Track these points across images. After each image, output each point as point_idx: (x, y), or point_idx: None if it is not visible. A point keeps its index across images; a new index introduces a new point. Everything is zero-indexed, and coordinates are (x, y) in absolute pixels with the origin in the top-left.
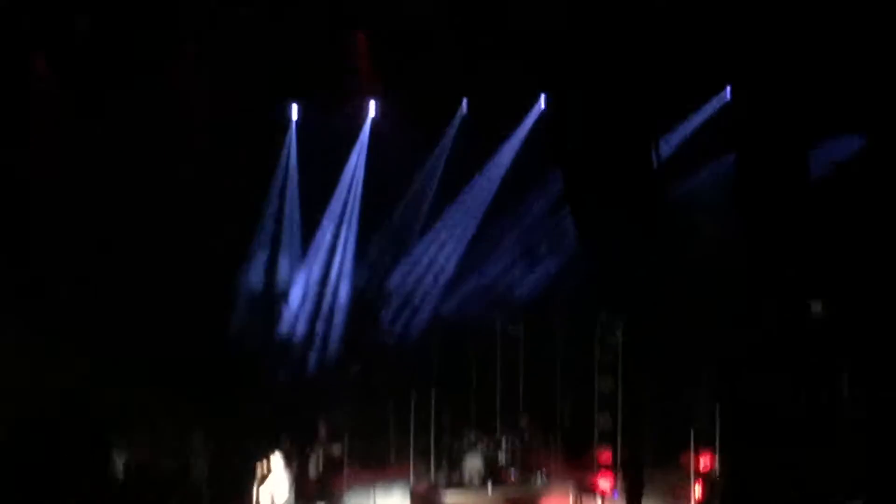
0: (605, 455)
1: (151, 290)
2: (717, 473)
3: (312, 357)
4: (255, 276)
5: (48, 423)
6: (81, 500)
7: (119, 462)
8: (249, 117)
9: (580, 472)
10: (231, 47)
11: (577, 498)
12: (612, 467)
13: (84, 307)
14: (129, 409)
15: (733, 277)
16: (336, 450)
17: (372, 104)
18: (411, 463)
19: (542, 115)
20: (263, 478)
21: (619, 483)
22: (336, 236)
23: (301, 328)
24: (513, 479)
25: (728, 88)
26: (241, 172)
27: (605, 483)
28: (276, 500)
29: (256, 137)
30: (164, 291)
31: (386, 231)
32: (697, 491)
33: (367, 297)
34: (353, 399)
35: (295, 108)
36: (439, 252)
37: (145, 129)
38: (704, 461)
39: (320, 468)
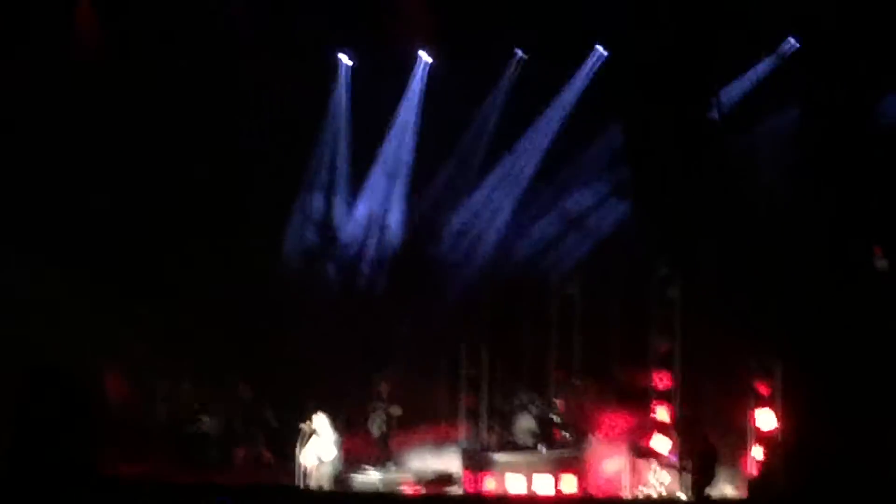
0: (662, 414)
1: (197, 236)
2: (780, 435)
3: (362, 310)
4: (302, 223)
5: (85, 374)
6: (119, 452)
7: (159, 414)
8: (302, 63)
9: (635, 433)
10: None
11: (632, 459)
12: (669, 428)
13: (128, 248)
14: (170, 361)
15: (796, 234)
16: (395, 410)
17: (424, 52)
18: (462, 423)
19: (601, 65)
20: (308, 437)
21: (676, 444)
22: (387, 184)
23: (349, 278)
24: (565, 439)
25: (791, 39)
26: (291, 119)
27: (660, 444)
28: (322, 460)
29: (309, 83)
30: (210, 238)
31: (438, 183)
32: (757, 454)
33: (418, 248)
34: (403, 357)
35: (345, 56)
36: (493, 205)
37: (199, 71)
38: (766, 421)
39: (384, 428)
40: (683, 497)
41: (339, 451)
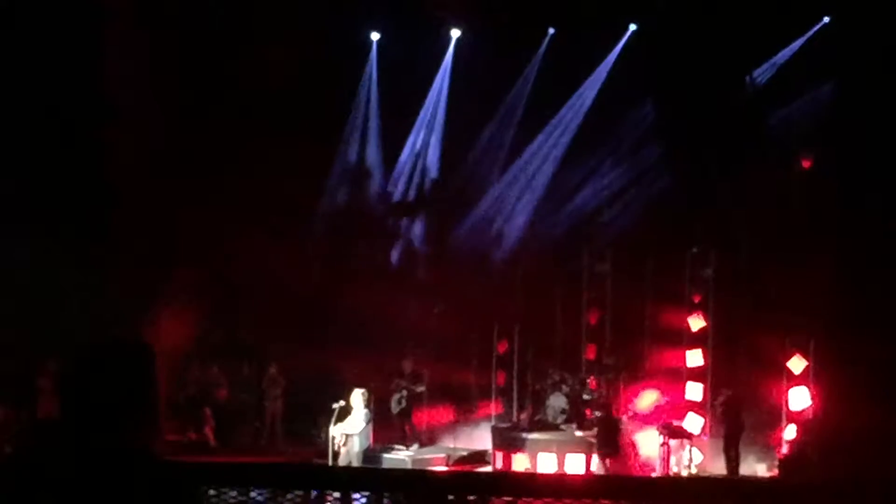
0: (694, 393)
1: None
2: (813, 414)
3: (395, 289)
4: (332, 205)
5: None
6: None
7: (192, 392)
8: (332, 41)
9: (668, 412)
10: None
11: (665, 439)
12: (702, 407)
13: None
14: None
15: (830, 211)
16: (418, 387)
17: (455, 31)
18: (494, 401)
19: (632, 42)
20: (341, 414)
21: (709, 423)
22: (416, 164)
23: (382, 258)
24: (597, 418)
25: (826, 18)
26: (324, 96)
27: (693, 423)
28: (349, 434)
29: (341, 60)
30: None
31: (469, 161)
32: (790, 433)
33: (450, 224)
34: (436, 334)
35: (376, 34)
36: (524, 184)
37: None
38: (799, 400)
39: (403, 404)
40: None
41: (367, 425)
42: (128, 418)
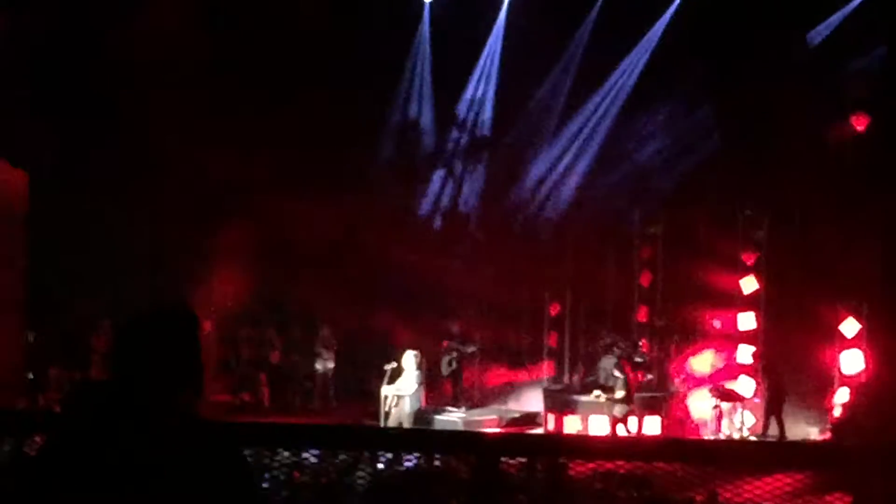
0: (746, 356)
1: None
2: (867, 377)
3: (444, 251)
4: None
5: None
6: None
7: (246, 353)
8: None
9: (720, 375)
10: None
11: (717, 402)
12: (754, 371)
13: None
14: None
15: (883, 173)
16: (468, 347)
17: None
18: (545, 363)
19: (686, 2)
20: (393, 376)
21: (762, 387)
22: (469, 124)
23: (434, 222)
24: (649, 381)
25: None
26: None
27: (745, 386)
28: (401, 395)
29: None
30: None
31: (521, 124)
32: (843, 396)
33: (503, 187)
34: (488, 296)
35: None
36: (576, 146)
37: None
38: (852, 364)
39: (454, 366)
40: (768, 439)
41: (419, 387)
42: (171, 379)
